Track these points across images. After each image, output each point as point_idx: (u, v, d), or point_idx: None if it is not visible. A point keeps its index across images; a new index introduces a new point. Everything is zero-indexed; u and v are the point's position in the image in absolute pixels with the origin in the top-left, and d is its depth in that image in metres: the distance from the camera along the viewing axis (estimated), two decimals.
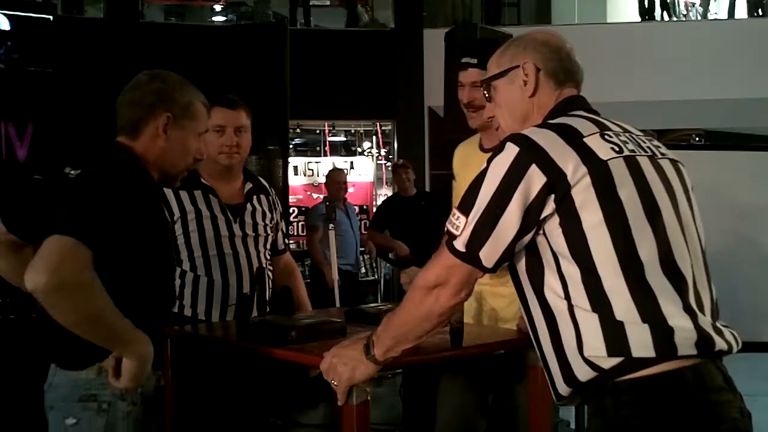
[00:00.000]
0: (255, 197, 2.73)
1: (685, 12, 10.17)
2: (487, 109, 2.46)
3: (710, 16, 10.18)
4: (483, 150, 2.61)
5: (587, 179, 1.44)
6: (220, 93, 2.67)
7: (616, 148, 1.51)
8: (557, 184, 1.43)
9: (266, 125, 5.31)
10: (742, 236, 3.63)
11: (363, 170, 9.09)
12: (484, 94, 1.79)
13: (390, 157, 9.37)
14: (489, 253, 1.47)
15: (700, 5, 10.16)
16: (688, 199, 1.61)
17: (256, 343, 2.06)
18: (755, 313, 3.39)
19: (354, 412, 1.74)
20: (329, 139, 10.12)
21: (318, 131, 10.08)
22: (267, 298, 2.62)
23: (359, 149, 10.26)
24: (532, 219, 1.45)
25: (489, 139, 2.57)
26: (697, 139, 9.28)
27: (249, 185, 2.74)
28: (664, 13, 9.72)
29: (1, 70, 5.79)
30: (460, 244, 1.48)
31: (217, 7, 9.78)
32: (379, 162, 9.75)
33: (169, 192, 2.56)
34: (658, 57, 8.15)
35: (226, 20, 9.71)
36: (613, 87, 8.11)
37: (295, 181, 8.71)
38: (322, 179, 7.95)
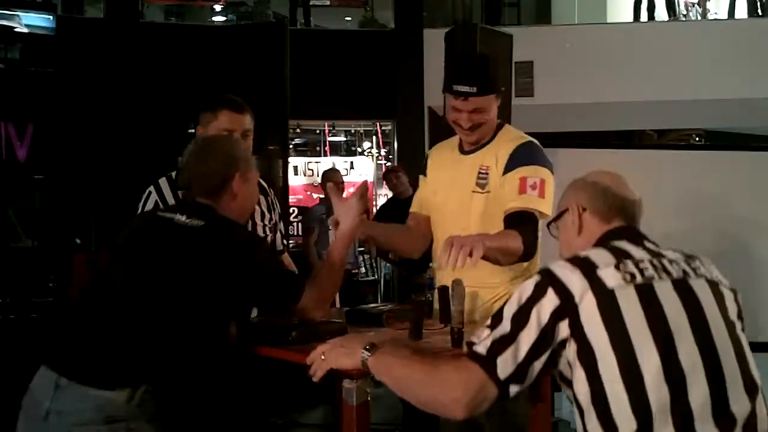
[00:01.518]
0: None
1: (685, 12, 10.16)
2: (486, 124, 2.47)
3: (710, 16, 10.18)
4: (463, 152, 2.60)
5: (594, 307, 1.51)
6: (220, 93, 2.67)
7: (628, 277, 1.56)
8: (568, 308, 1.52)
9: (266, 125, 5.31)
10: (742, 236, 3.63)
11: (363, 170, 9.09)
12: (551, 234, 1.89)
13: (390, 157, 9.37)
14: (506, 362, 1.52)
15: (699, 5, 10.15)
16: (728, 322, 1.62)
17: (256, 343, 2.07)
18: (755, 314, 3.39)
19: (354, 412, 1.75)
20: (329, 139, 10.13)
21: (318, 131, 10.08)
22: None
23: (359, 149, 10.26)
24: (548, 340, 1.52)
25: (469, 142, 2.57)
26: (697, 139, 9.28)
27: None
28: (669, 12, 9.74)
29: (1, 70, 5.79)
30: (480, 348, 1.55)
31: (217, 7, 9.77)
32: (379, 162, 9.75)
33: (168, 193, 2.57)
34: (658, 57, 8.15)
35: (226, 20, 9.71)
36: (613, 87, 8.12)
37: (295, 181, 8.71)
38: (321, 179, 7.96)
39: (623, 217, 1.76)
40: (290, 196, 7.70)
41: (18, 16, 6.01)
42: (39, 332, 4.56)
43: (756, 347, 3.56)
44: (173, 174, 2.64)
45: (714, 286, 1.64)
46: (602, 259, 1.60)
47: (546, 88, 8.01)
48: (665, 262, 1.62)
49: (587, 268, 1.57)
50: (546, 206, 2.43)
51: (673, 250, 1.68)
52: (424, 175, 2.72)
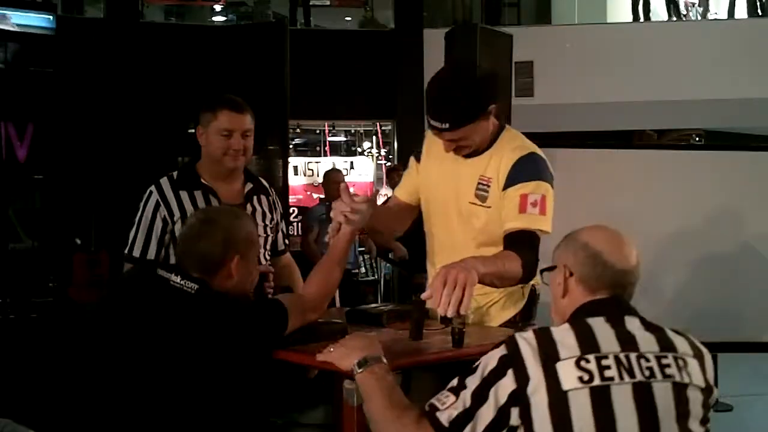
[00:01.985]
0: (255, 198, 2.72)
1: (685, 12, 10.17)
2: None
3: (710, 16, 10.18)
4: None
5: (545, 406, 1.52)
6: (220, 93, 2.66)
7: (586, 377, 1.53)
8: (522, 397, 1.53)
9: (266, 125, 5.31)
10: (742, 236, 3.62)
11: (363, 170, 9.09)
12: (542, 281, 1.83)
13: (390, 157, 9.37)
14: None
15: (699, 5, 10.16)
16: (684, 428, 1.57)
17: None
18: (755, 314, 3.39)
19: (354, 413, 1.74)
20: (329, 139, 10.12)
21: (318, 131, 10.08)
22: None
23: (359, 149, 10.26)
24: (503, 421, 1.55)
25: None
26: (697, 139, 9.28)
27: (249, 186, 2.73)
28: (671, 11, 9.75)
29: (1, 70, 5.79)
30: (444, 419, 1.58)
31: (217, 7, 9.78)
32: (379, 162, 9.75)
33: (169, 192, 2.56)
34: (658, 57, 8.15)
35: (226, 20, 9.72)
36: (613, 87, 8.13)
37: (295, 181, 8.70)
38: (322, 179, 7.96)
39: (610, 289, 1.68)
40: (290, 196, 7.70)
41: (18, 16, 6.01)
42: (39, 332, 4.57)
43: (756, 347, 3.56)
44: (174, 174, 2.64)
45: (680, 389, 1.57)
46: (567, 346, 1.57)
47: (546, 88, 8.01)
48: (633, 358, 1.56)
49: (549, 355, 1.55)
50: (547, 224, 2.33)
51: (652, 332, 1.61)
52: (418, 161, 2.58)
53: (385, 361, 1.73)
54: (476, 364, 1.61)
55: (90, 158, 6.97)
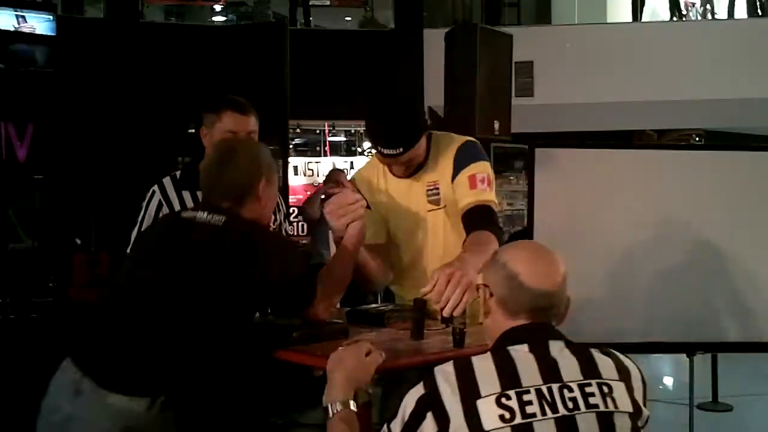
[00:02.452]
0: None
1: (684, 12, 10.16)
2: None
3: (710, 16, 10.18)
4: (393, 173, 2.54)
5: None
6: (220, 93, 2.66)
7: (507, 415, 1.49)
8: None
9: (266, 125, 5.30)
10: (741, 236, 3.62)
11: None
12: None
13: None
14: None
15: (702, 5, 10.15)
16: None
17: (257, 343, 2.07)
18: (755, 313, 3.39)
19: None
20: (329, 139, 10.12)
21: (318, 131, 10.07)
22: None
23: (359, 149, 10.25)
24: None
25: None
26: (697, 139, 9.28)
27: None
28: (674, 12, 9.75)
29: (1, 70, 5.79)
30: None
31: (217, 7, 9.77)
32: None
33: (172, 192, 2.57)
34: (658, 57, 8.15)
35: (226, 20, 9.71)
36: (613, 87, 8.12)
37: (295, 181, 8.70)
38: (323, 179, 7.95)
39: (530, 313, 1.61)
40: (290, 196, 7.70)
41: (18, 16, 6.00)
42: (39, 332, 4.57)
43: (756, 347, 3.56)
44: (177, 173, 2.64)
45: (605, 418, 1.53)
46: (487, 382, 1.53)
47: (546, 88, 8.01)
48: (555, 390, 1.53)
49: (469, 392, 1.51)
50: (495, 198, 2.45)
51: (576, 357, 1.57)
52: (369, 207, 2.55)
53: (353, 406, 1.67)
54: (395, 413, 1.58)
55: (90, 158, 6.97)
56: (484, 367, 1.55)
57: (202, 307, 1.88)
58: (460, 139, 2.52)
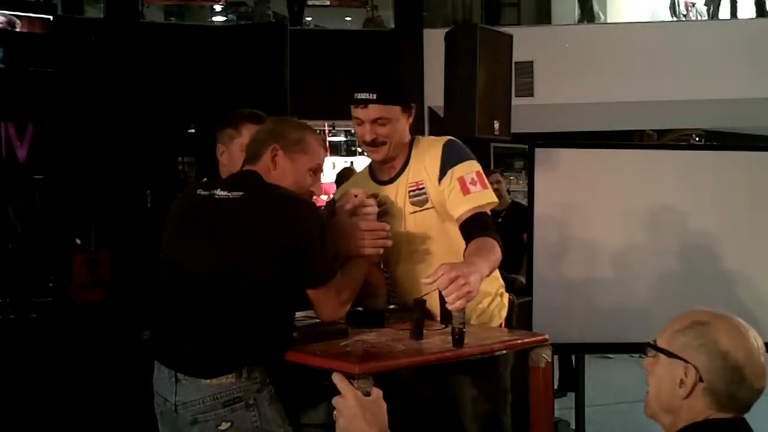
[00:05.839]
0: None
1: (685, 12, 10.16)
2: (389, 143, 2.36)
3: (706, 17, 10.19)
4: (375, 181, 2.52)
5: None
6: (222, 93, 2.66)
7: None
8: None
9: None
10: (741, 236, 3.63)
11: None
12: (644, 367, 1.60)
13: None
14: None
15: (705, 4, 10.15)
16: None
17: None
18: (756, 314, 3.39)
19: None
20: (329, 139, 10.12)
21: (318, 131, 10.07)
22: None
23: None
24: None
25: (383, 170, 2.49)
26: (697, 139, 9.28)
27: None
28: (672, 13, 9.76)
29: (1, 70, 5.79)
30: None
31: (217, 7, 9.77)
32: None
33: None
34: (658, 57, 8.15)
35: (226, 20, 9.71)
36: (613, 87, 8.13)
37: None
38: (335, 178, 7.94)
39: (740, 410, 1.49)
40: None
41: (18, 16, 6.00)
42: (39, 332, 4.57)
43: None
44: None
45: None
46: None
47: (546, 88, 8.01)
48: None
49: None
50: (491, 195, 2.36)
51: None
52: None
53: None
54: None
55: (90, 158, 6.96)
56: None
57: (251, 278, 1.97)
58: (442, 139, 2.44)
